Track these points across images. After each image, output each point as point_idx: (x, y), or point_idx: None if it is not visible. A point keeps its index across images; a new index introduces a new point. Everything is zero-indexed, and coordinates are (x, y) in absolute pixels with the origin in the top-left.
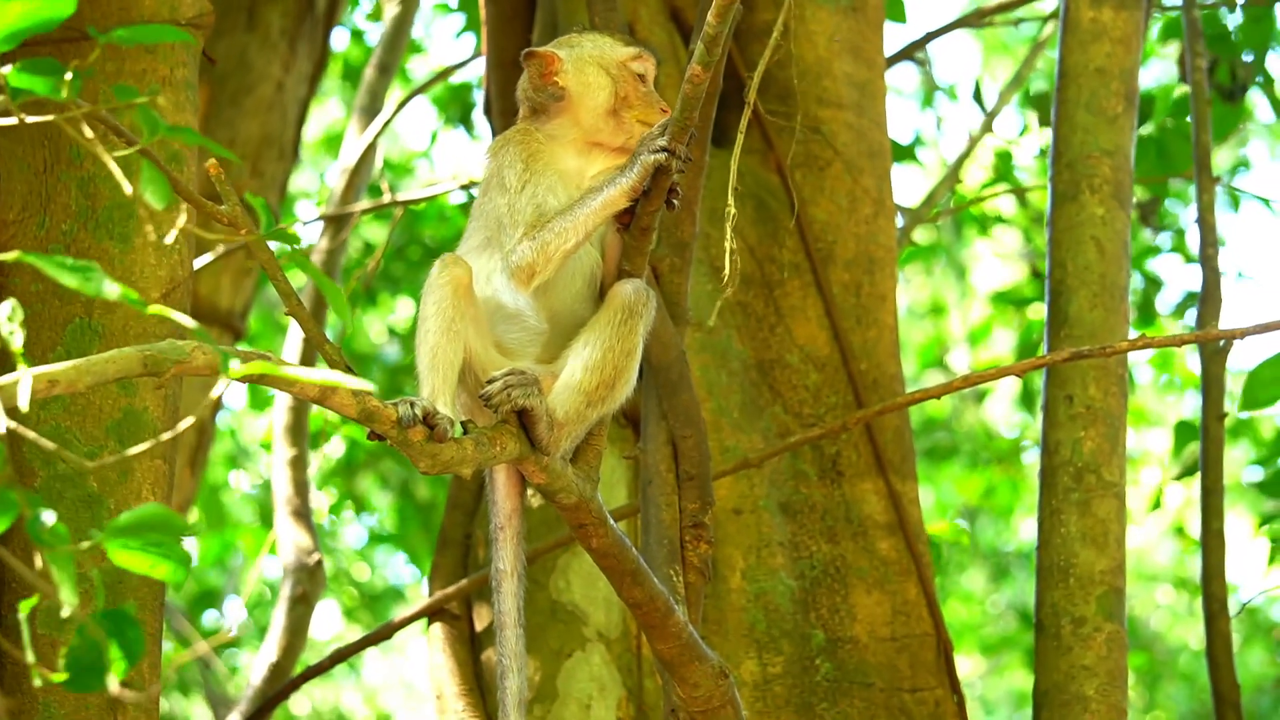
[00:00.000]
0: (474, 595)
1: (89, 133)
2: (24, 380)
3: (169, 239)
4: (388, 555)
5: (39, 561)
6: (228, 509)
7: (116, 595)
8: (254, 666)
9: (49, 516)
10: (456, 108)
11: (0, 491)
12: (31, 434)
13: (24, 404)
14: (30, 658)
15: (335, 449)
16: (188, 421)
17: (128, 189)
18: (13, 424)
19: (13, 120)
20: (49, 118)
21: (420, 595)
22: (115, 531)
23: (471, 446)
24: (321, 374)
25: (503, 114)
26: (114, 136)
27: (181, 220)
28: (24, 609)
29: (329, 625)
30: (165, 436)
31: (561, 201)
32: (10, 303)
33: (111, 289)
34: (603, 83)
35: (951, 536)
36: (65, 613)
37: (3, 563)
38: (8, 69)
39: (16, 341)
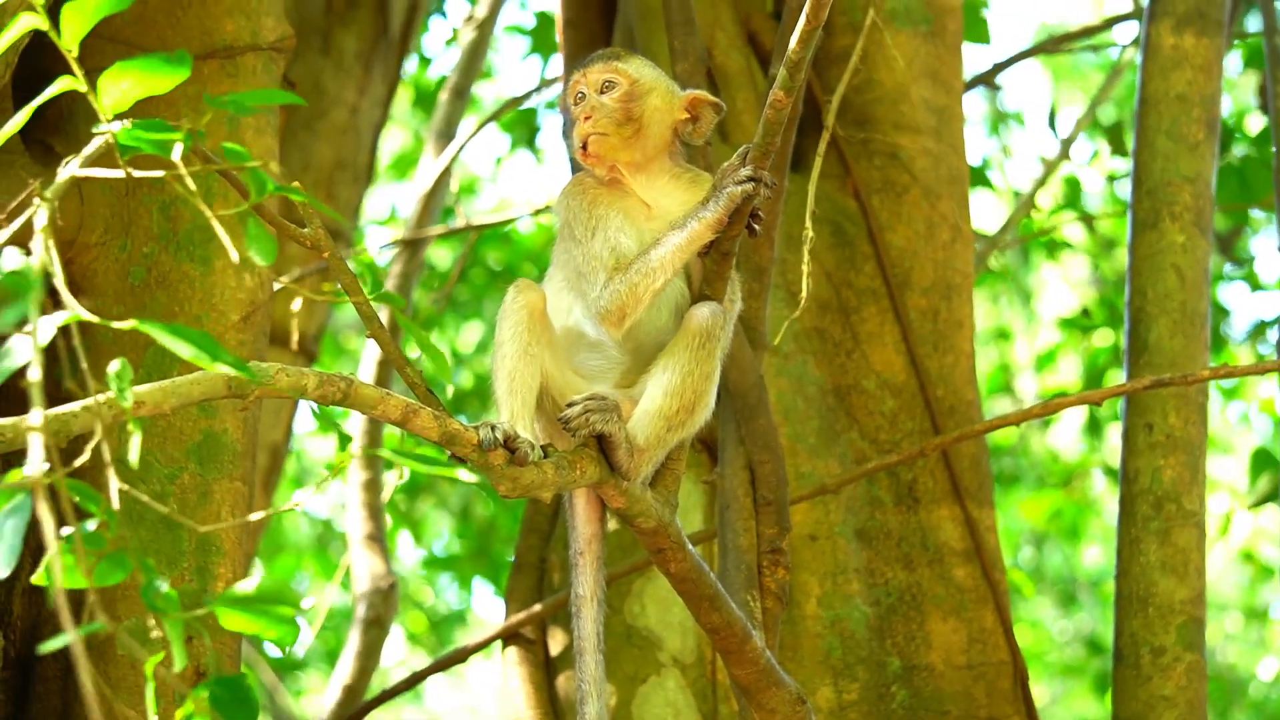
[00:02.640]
0: (549, 619)
1: (199, 182)
2: (134, 440)
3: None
4: (451, 580)
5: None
6: (289, 532)
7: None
8: (328, 690)
9: (163, 584)
10: (523, 131)
11: (112, 554)
12: (141, 496)
13: (134, 457)
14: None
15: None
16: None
17: (234, 255)
18: (125, 487)
19: (120, 173)
20: (157, 174)
21: (478, 619)
22: (229, 601)
23: (552, 470)
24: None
25: None
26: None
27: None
28: (149, 668)
29: (392, 650)
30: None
31: (632, 238)
32: (120, 361)
33: (224, 365)
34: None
35: (1017, 580)
36: (176, 670)
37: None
38: (118, 125)
39: (127, 400)
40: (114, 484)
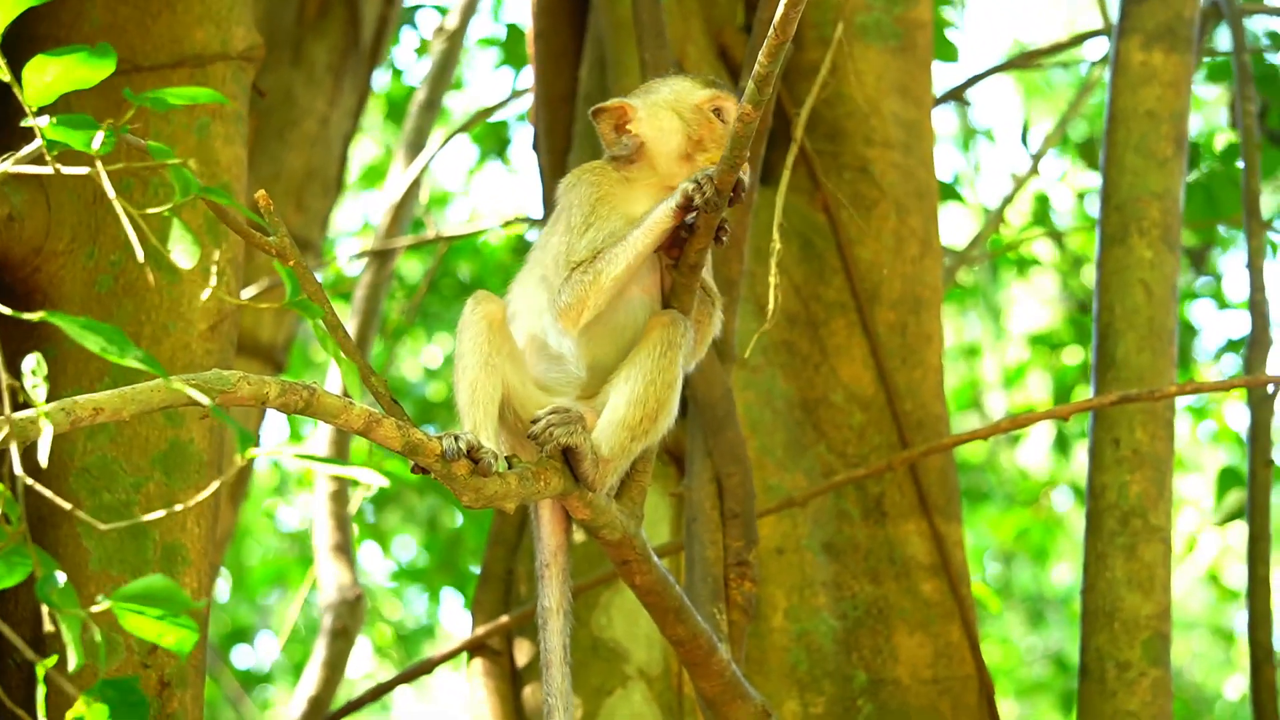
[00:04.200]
0: (515, 631)
1: (152, 182)
2: (45, 436)
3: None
4: (419, 593)
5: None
6: (256, 543)
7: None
8: (293, 701)
9: (60, 577)
10: (493, 142)
11: (12, 549)
12: (48, 493)
13: (44, 459)
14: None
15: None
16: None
17: (139, 255)
18: (31, 482)
19: (49, 170)
20: (83, 170)
21: (445, 631)
22: (124, 598)
23: (515, 481)
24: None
25: (550, 150)
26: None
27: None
28: (40, 670)
29: (359, 662)
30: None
31: None
32: (35, 356)
33: (134, 359)
34: (675, 127)
35: (982, 596)
36: (70, 669)
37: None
38: (45, 120)
39: (39, 395)
40: (21, 479)
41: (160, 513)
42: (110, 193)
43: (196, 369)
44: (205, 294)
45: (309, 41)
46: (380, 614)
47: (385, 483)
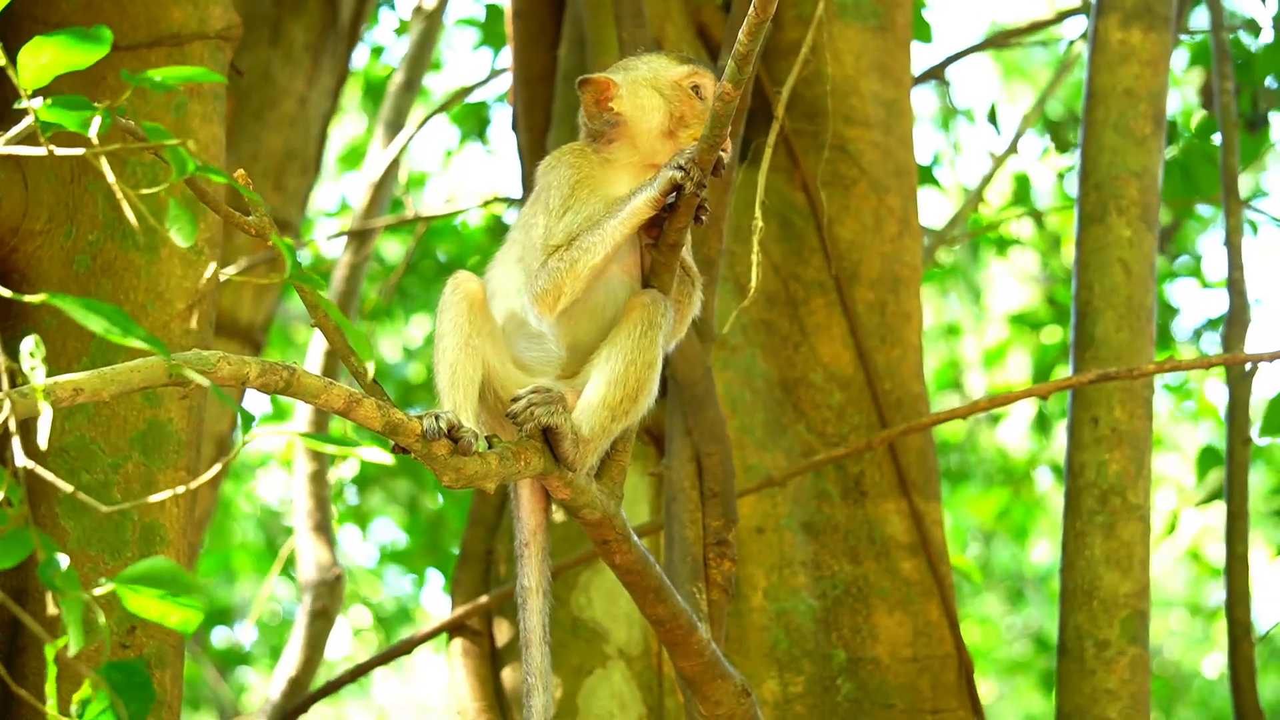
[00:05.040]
0: (495, 611)
1: (131, 161)
2: (44, 419)
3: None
4: (402, 574)
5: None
6: (235, 523)
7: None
8: (273, 681)
9: (63, 560)
10: (473, 123)
11: (14, 531)
12: (48, 474)
13: (43, 442)
14: (52, 701)
15: (348, 468)
16: (212, 471)
17: (134, 221)
18: (31, 464)
19: (42, 151)
20: (78, 151)
21: (425, 613)
22: (127, 580)
23: (496, 461)
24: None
25: (529, 130)
26: (141, 159)
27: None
28: (49, 651)
29: (339, 643)
30: (215, 470)
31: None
32: (32, 338)
33: (137, 341)
34: (656, 104)
35: (965, 569)
36: (71, 653)
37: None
38: (39, 102)
39: (38, 378)
40: (22, 461)
41: (166, 494)
42: (110, 176)
43: (175, 349)
44: (208, 273)
45: (287, 21)
46: (360, 596)
47: (390, 460)
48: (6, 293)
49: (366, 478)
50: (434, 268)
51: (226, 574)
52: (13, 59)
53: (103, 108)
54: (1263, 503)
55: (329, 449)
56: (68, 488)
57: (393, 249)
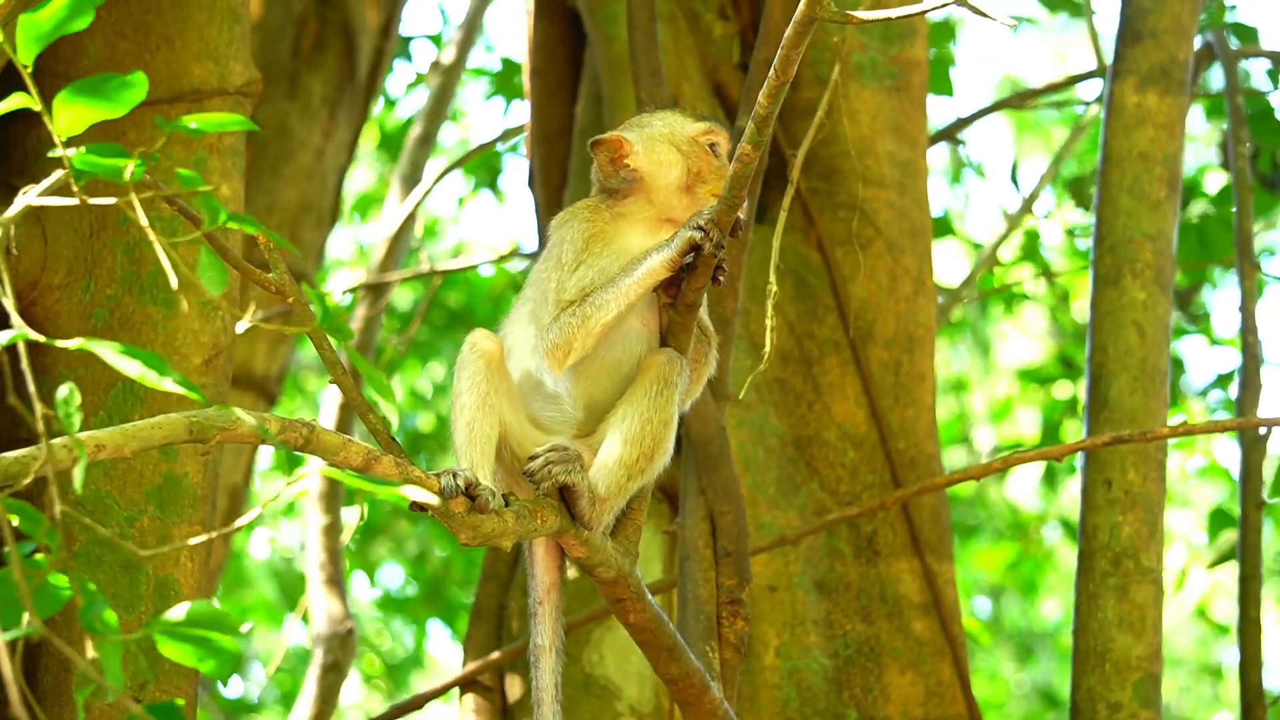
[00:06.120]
0: (507, 667)
1: (149, 217)
2: (79, 469)
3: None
4: (406, 624)
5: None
6: (248, 573)
7: (152, 661)
8: None
9: (102, 605)
10: (485, 174)
11: (51, 578)
12: (93, 524)
13: (79, 485)
14: None
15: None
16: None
17: (174, 282)
18: (67, 509)
19: (74, 201)
20: (110, 201)
21: (433, 661)
22: (165, 626)
23: (512, 519)
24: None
25: (545, 186)
26: (160, 214)
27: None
28: (79, 697)
29: (348, 692)
30: (238, 523)
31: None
32: (68, 386)
33: (170, 384)
34: (674, 160)
35: (973, 631)
36: (111, 697)
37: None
38: (73, 151)
39: (74, 425)
40: (58, 508)
41: (171, 546)
42: (143, 220)
43: (191, 404)
44: (241, 326)
45: (304, 74)
46: (369, 643)
47: (434, 500)
48: (40, 338)
49: (374, 527)
50: (444, 316)
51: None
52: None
53: (137, 155)
54: (1273, 561)
55: (369, 486)
56: (104, 531)
57: (404, 297)
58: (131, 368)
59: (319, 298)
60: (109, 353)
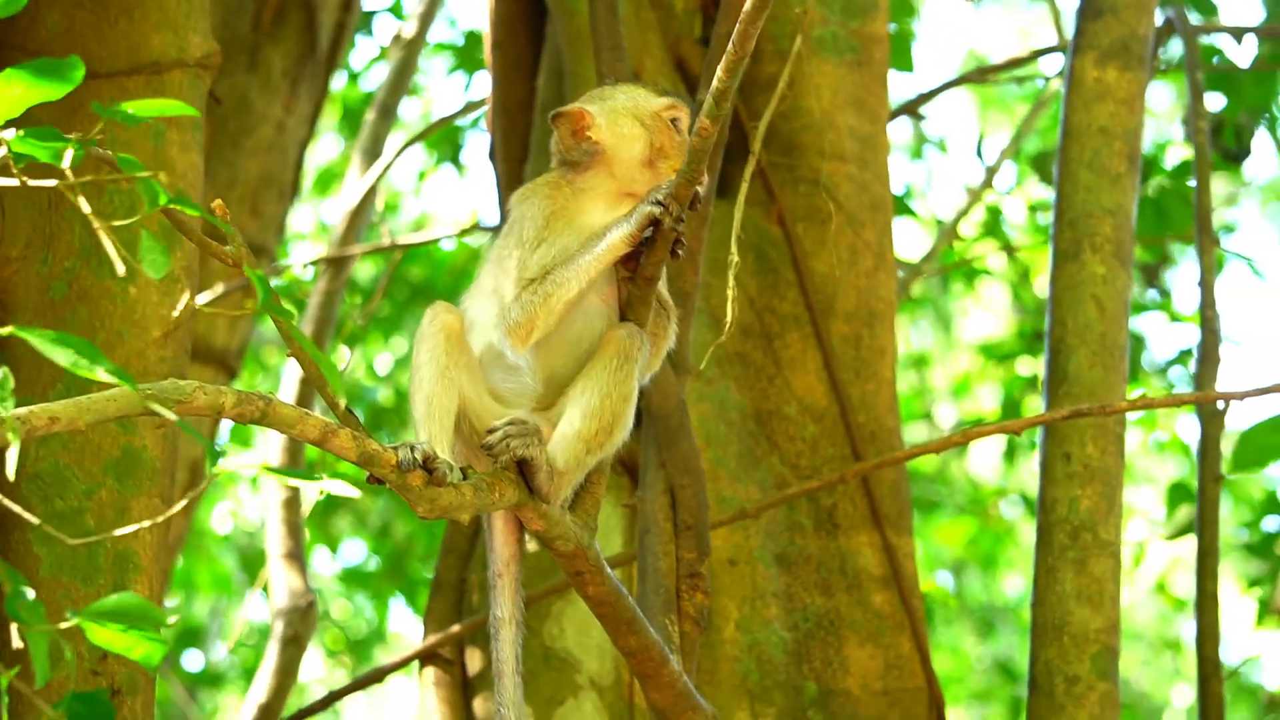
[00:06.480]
0: (467, 640)
1: (109, 190)
2: (12, 452)
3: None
4: (368, 599)
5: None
6: (211, 547)
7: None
8: (244, 707)
9: (29, 593)
10: (447, 148)
11: None
12: (14, 506)
13: (11, 474)
14: None
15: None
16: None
17: (120, 269)
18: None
19: (15, 182)
20: (51, 183)
21: (394, 635)
22: (94, 615)
23: (470, 492)
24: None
25: (506, 160)
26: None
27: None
28: (1, 682)
29: (310, 667)
30: (192, 494)
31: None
32: (2, 370)
33: (104, 374)
34: (637, 133)
35: (939, 596)
36: (37, 685)
37: None
38: (10, 134)
39: (7, 410)
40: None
41: (134, 526)
42: (85, 208)
43: (151, 376)
44: (181, 304)
45: (265, 48)
46: (330, 617)
47: (355, 493)
48: None
49: (335, 501)
50: (406, 290)
51: (193, 592)
52: None
53: (74, 140)
54: (1232, 534)
55: (294, 481)
56: (34, 520)
57: (366, 271)
58: (63, 357)
59: (260, 279)
60: (40, 342)
